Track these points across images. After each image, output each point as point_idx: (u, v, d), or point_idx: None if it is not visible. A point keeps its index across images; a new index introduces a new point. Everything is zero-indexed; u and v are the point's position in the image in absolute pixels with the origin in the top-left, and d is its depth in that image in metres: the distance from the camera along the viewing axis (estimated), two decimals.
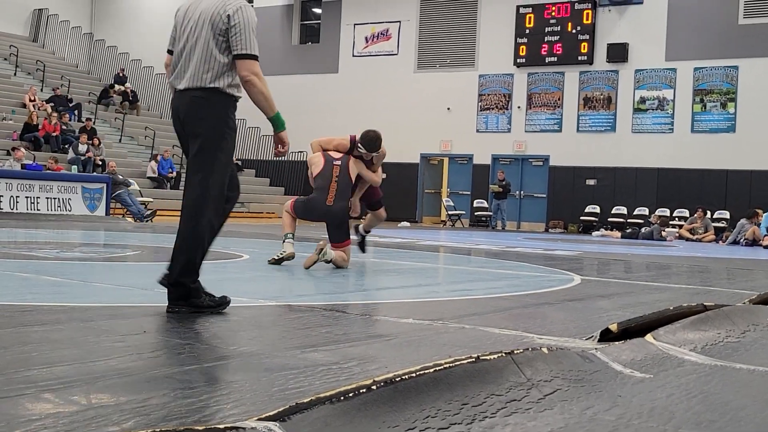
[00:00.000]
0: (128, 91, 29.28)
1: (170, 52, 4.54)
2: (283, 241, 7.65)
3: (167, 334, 3.78)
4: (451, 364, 2.62)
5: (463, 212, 25.53)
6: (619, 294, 6.57)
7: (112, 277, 6.37)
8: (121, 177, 19.55)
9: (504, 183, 24.34)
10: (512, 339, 4.00)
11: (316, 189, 7.62)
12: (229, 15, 4.25)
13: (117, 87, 29.46)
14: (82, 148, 21.80)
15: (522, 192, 25.62)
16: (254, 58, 4.29)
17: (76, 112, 25.91)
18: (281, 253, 7.55)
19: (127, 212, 18.78)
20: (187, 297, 4.29)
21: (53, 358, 3.06)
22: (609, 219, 23.75)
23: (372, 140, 7.60)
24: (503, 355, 2.82)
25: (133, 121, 28.07)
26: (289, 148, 4.55)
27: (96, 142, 22.53)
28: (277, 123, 4.41)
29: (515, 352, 2.89)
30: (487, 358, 2.75)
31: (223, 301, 4.42)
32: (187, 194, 4.38)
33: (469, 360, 2.69)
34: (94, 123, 24.64)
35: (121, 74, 30.59)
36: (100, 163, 21.72)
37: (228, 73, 4.31)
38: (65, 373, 2.80)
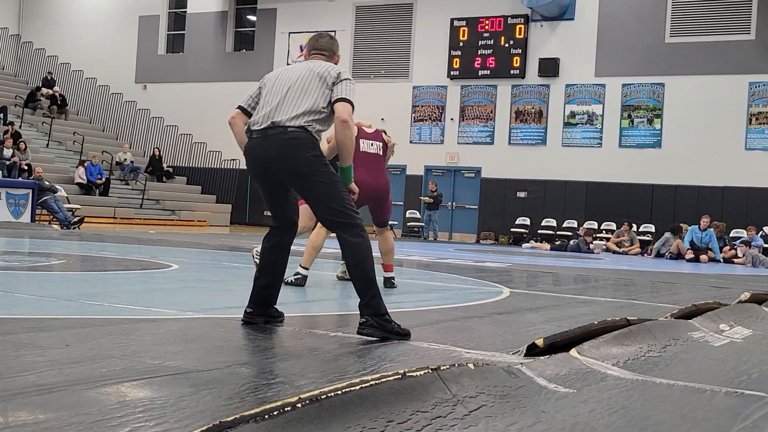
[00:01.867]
0: (56, 94, 28.70)
1: (242, 108, 4.73)
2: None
3: (89, 347, 3.70)
4: (377, 381, 2.62)
5: (396, 222, 25.62)
6: (547, 307, 6.66)
7: (36, 288, 6.22)
8: (47, 183, 19.11)
9: (435, 194, 24.51)
10: (440, 353, 4.02)
11: None
12: (339, 72, 4.59)
13: (45, 90, 28.87)
14: (7, 152, 21.29)
15: (454, 203, 25.82)
16: (352, 105, 4.57)
17: (1, 115, 25.29)
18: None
19: (54, 219, 18.37)
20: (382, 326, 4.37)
21: None
22: (539, 231, 24.09)
23: None
24: (429, 371, 2.83)
25: (61, 125, 27.53)
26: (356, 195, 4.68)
27: (22, 146, 22.03)
28: (346, 176, 4.59)
29: (442, 368, 2.91)
30: (414, 374, 2.76)
31: (407, 332, 4.44)
32: None
33: (395, 377, 2.69)
34: (20, 127, 24.10)
35: (49, 77, 29.99)
36: (26, 168, 21.23)
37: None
38: None
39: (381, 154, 7.26)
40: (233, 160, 28.02)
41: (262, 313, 4.63)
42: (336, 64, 4.81)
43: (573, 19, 24.36)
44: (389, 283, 7.28)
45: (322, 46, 4.85)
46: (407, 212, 25.70)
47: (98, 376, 3.04)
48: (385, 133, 7.58)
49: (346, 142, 4.51)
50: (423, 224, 25.07)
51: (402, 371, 2.74)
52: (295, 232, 4.75)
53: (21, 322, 4.28)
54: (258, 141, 4.51)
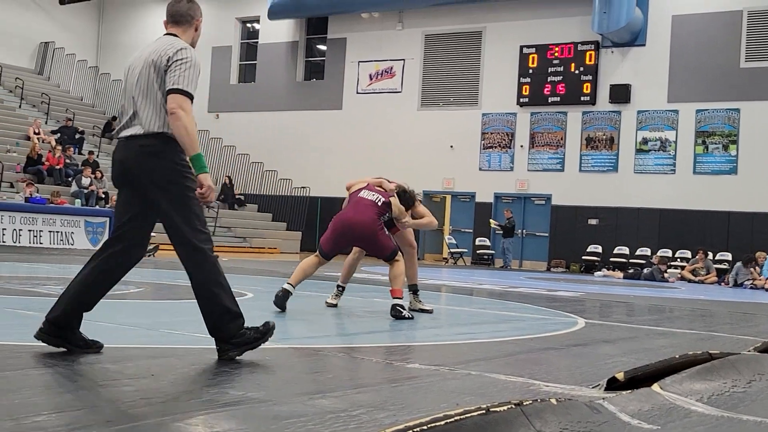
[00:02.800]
0: None
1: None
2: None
3: (174, 377, 3.77)
4: (461, 416, 2.62)
5: (465, 250, 25.54)
6: (624, 339, 6.56)
7: (116, 316, 6.36)
8: None
9: (510, 221, 24.44)
10: (519, 387, 4.00)
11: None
12: (174, 52, 4.19)
13: None
14: (85, 181, 21.87)
15: (524, 230, 25.64)
16: (185, 93, 4.13)
17: (78, 145, 26.01)
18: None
19: None
20: (229, 339, 4.26)
21: (61, 403, 3.06)
22: (611, 259, 23.73)
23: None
24: (513, 406, 2.82)
25: None
26: (211, 192, 4.17)
27: (99, 175, 22.60)
28: (195, 164, 4.14)
29: (525, 403, 2.89)
30: (497, 409, 2.76)
31: (268, 329, 4.37)
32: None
33: (479, 412, 2.69)
34: (97, 156, 24.74)
35: None
36: (103, 196, 21.77)
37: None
38: (75, 419, 2.80)
39: (377, 204, 7.44)
40: (303, 187, 28.32)
41: (56, 334, 4.18)
42: (196, 30, 4.41)
43: (644, 44, 24.09)
44: (393, 310, 7.07)
45: (177, 12, 4.37)
46: (476, 240, 25.57)
47: (185, 408, 3.10)
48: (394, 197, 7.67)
49: (181, 133, 4.06)
50: (493, 252, 24.98)
51: (486, 406, 2.74)
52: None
53: (107, 351, 4.38)
54: (118, 147, 4.33)
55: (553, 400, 3.05)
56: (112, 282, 4.32)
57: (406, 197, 7.68)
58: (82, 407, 2.98)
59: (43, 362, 3.96)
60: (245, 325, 4.31)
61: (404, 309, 7.11)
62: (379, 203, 7.45)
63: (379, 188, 7.61)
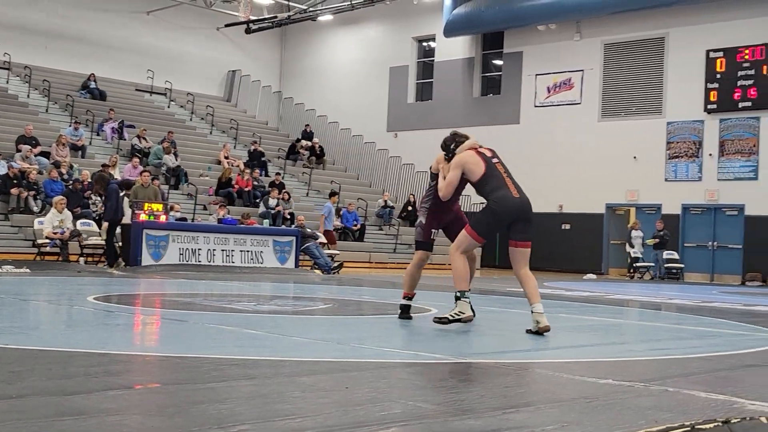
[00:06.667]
0: (315, 146, 30.38)
1: None
2: (459, 299, 6.64)
3: (367, 390, 3.84)
4: None
5: (652, 264, 24.64)
6: None
7: (308, 331, 6.56)
8: (309, 230, 20.20)
9: (662, 233, 23.81)
10: (721, 404, 3.80)
11: (494, 189, 6.79)
12: None
13: (304, 142, 30.65)
14: (272, 202, 22.75)
15: (715, 243, 24.49)
16: None
17: (264, 168, 27.11)
18: (457, 314, 6.59)
19: (315, 264, 19.34)
20: None
21: (265, 413, 3.19)
22: None
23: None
24: (720, 424, 2.69)
25: (319, 174, 29.07)
26: None
27: (285, 196, 23.45)
28: None
29: (732, 421, 2.76)
30: (703, 427, 2.64)
31: None
32: None
33: (683, 429, 2.59)
34: (282, 177, 25.69)
35: (308, 130, 31.82)
36: (289, 216, 22.57)
37: None
38: (279, 428, 2.90)
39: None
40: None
41: None
42: None
43: None
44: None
45: None
46: (664, 253, 24.55)
47: (379, 419, 3.16)
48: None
49: None
50: (651, 264, 24.22)
51: (690, 423, 2.63)
52: None
53: (301, 365, 4.53)
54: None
55: (764, 419, 2.89)
56: None
57: (452, 135, 7.18)
58: (284, 417, 3.09)
59: (244, 374, 4.14)
60: None
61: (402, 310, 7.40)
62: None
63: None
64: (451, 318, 6.57)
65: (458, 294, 6.63)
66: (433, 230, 7.39)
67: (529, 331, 6.55)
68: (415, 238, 7.63)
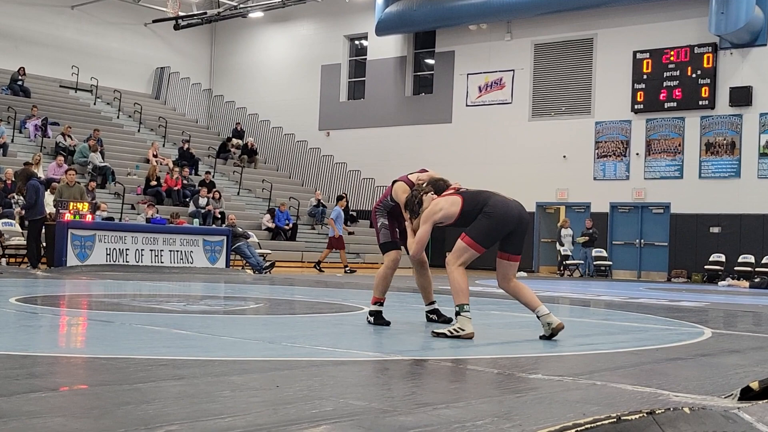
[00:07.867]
0: (248, 144, 30.12)
1: None
2: (459, 314, 6.17)
3: (298, 388, 3.81)
4: (591, 425, 2.56)
5: (581, 262, 25.04)
6: (754, 349, 6.31)
7: (239, 330, 6.49)
8: (240, 229, 20.02)
9: (591, 231, 24.34)
10: (647, 397, 3.87)
11: (484, 201, 6.30)
12: None
13: (235, 141, 30.37)
14: (203, 201, 22.48)
15: (642, 240, 25.00)
16: None
17: (194, 166, 26.78)
18: (456, 330, 6.13)
19: (247, 264, 19.18)
20: None
21: (193, 413, 3.13)
22: (735, 268, 22.87)
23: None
24: (644, 415, 2.73)
25: (250, 173, 28.83)
26: None
27: (216, 195, 23.20)
28: None
29: (656, 411, 2.80)
30: (628, 418, 2.67)
31: None
32: None
33: (609, 420, 2.62)
34: (213, 176, 25.41)
35: (238, 128, 31.55)
36: (220, 215, 22.33)
37: None
38: (207, 428, 2.86)
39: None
40: None
41: None
42: None
43: (765, 44, 23.22)
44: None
45: None
46: (594, 251, 24.98)
47: (310, 417, 3.13)
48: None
49: None
50: (580, 261, 24.74)
51: (616, 415, 2.66)
52: None
53: (231, 364, 4.48)
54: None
55: (687, 409, 2.94)
56: None
57: (413, 192, 6.67)
58: (212, 417, 3.04)
59: (173, 374, 4.07)
60: None
61: (370, 316, 6.99)
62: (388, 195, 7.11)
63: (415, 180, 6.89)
64: (449, 334, 6.12)
65: (458, 309, 6.16)
66: (397, 229, 7.19)
67: (543, 337, 6.28)
68: (380, 241, 7.24)
